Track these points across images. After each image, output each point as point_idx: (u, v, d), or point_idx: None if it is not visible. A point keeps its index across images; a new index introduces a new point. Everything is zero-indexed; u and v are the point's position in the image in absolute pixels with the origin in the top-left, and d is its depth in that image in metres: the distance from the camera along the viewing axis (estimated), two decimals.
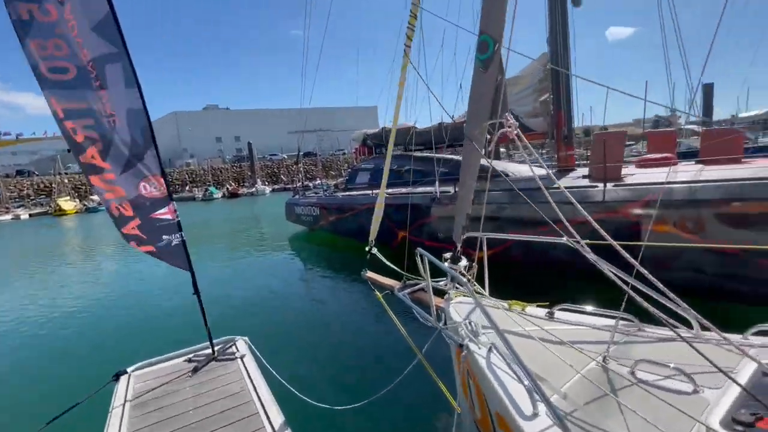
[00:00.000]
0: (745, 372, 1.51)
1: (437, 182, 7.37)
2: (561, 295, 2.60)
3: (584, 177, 6.68)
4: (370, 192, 9.35)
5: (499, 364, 1.85)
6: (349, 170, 12.92)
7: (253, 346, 3.35)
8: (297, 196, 13.13)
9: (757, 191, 4.22)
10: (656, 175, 5.74)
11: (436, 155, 8.54)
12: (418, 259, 2.56)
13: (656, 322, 2.11)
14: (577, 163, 8.15)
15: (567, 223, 2.18)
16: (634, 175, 6.10)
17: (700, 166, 5.94)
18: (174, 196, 3.00)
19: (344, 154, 48.82)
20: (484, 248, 2.72)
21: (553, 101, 7.75)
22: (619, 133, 6.34)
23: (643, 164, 7.03)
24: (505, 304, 2.50)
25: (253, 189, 39.73)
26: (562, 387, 1.68)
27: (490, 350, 1.95)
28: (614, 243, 1.74)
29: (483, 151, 2.52)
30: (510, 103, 8.36)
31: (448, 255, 2.70)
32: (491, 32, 2.11)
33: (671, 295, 2.05)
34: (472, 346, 2.02)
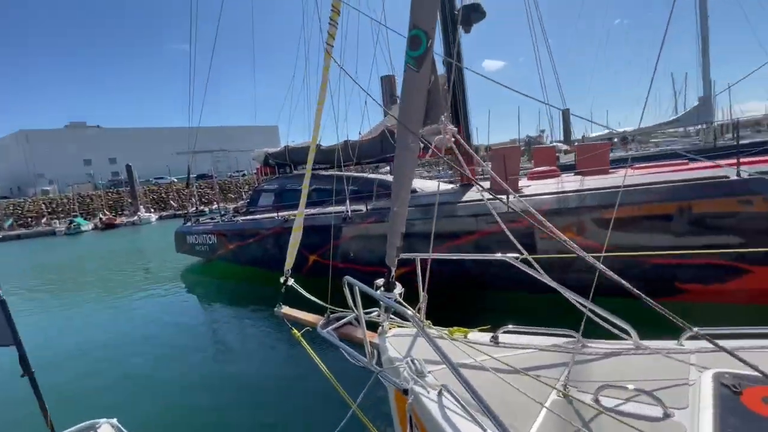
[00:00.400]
0: (706, 383, 1.42)
1: (348, 201, 7.05)
2: (480, 309, 2.42)
3: (485, 190, 7.02)
4: (275, 215, 8.61)
5: (453, 407, 1.54)
6: (251, 192, 11.88)
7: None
8: (189, 224, 11.58)
9: (629, 197, 4.79)
10: (547, 186, 6.28)
11: (345, 173, 8.26)
12: (346, 289, 2.16)
13: (591, 334, 2.04)
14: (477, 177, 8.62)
15: (510, 234, 2.02)
16: (529, 186, 6.59)
17: (579, 176, 6.68)
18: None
19: (244, 175, 45.89)
20: (418, 270, 2.43)
21: (452, 119, 8.13)
22: (514, 148, 6.85)
23: (533, 177, 7.72)
24: (445, 331, 2.23)
25: (135, 217, 34.69)
26: (530, 428, 1.44)
27: (440, 393, 1.63)
28: (583, 253, 1.57)
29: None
30: None
31: (380, 282, 2.34)
32: (424, 26, 1.86)
33: (604, 313, 1.99)
34: (419, 390, 1.68)
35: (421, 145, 2.10)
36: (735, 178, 4.41)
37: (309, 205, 8.74)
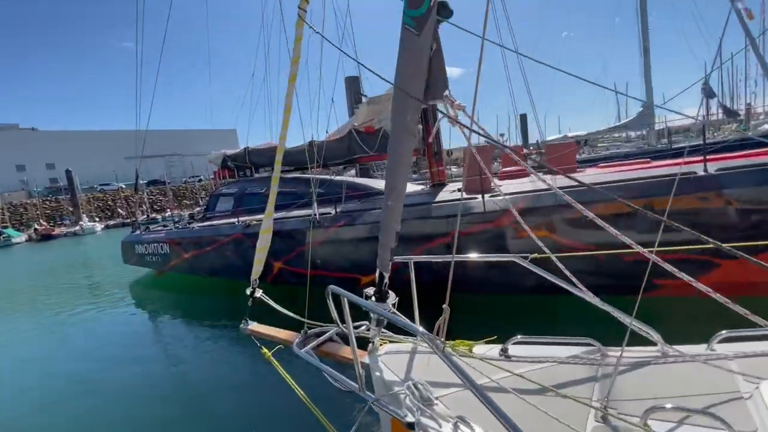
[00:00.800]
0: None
1: (315, 204, 6.63)
2: (471, 315, 2.15)
3: (459, 191, 6.88)
4: (235, 220, 8.00)
5: None
6: (208, 197, 11.09)
7: None
8: (138, 232, 10.60)
9: (602, 195, 4.77)
10: (517, 185, 6.21)
11: (312, 176, 7.83)
12: (329, 300, 1.82)
13: (603, 337, 1.82)
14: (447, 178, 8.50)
15: (526, 227, 1.77)
16: (501, 186, 6.51)
17: (549, 176, 6.68)
18: None
19: (200, 180, 43.63)
20: (412, 275, 2.12)
21: (420, 119, 7.96)
22: (488, 147, 6.77)
23: (503, 177, 7.69)
24: (446, 346, 1.93)
25: (77, 227, 31.88)
26: None
27: (456, 426, 1.32)
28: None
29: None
30: (382, 121, 8.30)
31: (370, 291, 2.01)
32: None
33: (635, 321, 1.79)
34: (428, 423, 1.36)
35: (420, 127, 1.79)
36: (703, 173, 4.50)
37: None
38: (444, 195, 6.61)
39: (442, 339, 1.52)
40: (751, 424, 1.18)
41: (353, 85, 12.38)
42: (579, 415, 1.36)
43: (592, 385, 1.52)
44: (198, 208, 12.76)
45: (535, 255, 2.00)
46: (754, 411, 1.23)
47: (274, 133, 10.50)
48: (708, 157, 4.69)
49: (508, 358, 1.79)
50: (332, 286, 1.76)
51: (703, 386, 1.39)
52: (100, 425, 4.03)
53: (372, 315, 1.92)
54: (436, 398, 1.50)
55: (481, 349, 1.89)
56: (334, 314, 1.93)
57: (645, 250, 1.59)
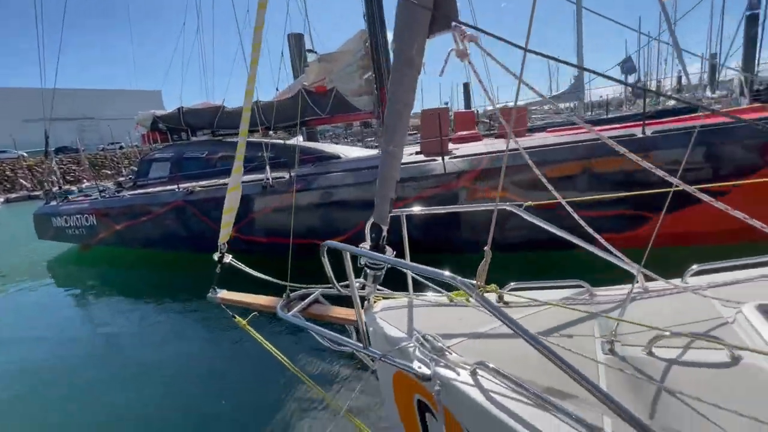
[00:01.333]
0: (754, 317, 1.33)
1: (268, 168, 6.24)
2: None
3: (417, 153, 6.85)
4: (175, 187, 7.29)
5: (499, 389, 1.24)
6: (138, 162, 9.94)
7: None
8: (54, 203, 9.32)
9: (559, 154, 5.02)
10: (474, 148, 6.32)
11: (263, 140, 7.31)
12: (324, 258, 1.69)
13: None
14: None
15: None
16: (458, 149, 6.58)
17: (502, 140, 6.89)
18: None
19: (122, 147, 39.14)
20: (404, 228, 2.04)
21: (376, 79, 7.70)
22: (444, 109, 6.74)
23: (457, 141, 7.79)
24: (445, 298, 1.91)
25: None
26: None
27: (474, 373, 1.31)
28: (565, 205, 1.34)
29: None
30: (334, 80, 7.88)
31: (366, 245, 1.90)
32: None
33: (616, 252, 1.87)
34: (444, 372, 1.33)
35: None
36: (641, 135, 4.89)
37: (216, 175, 7.62)
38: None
39: (482, 283, 1.46)
40: (740, 343, 1.30)
41: (298, 43, 11.58)
42: (587, 350, 1.41)
43: (591, 324, 1.58)
44: (123, 177, 11.49)
45: (530, 203, 2.01)
46: (740, 332, 1.35)
47: (210, 93, 9.54)
48: (645, 122, 5.12)
49: (506, 304, 1.81)
50: (329, 242, 1.63)
51: (690, 315, 1.50)
52: (25, 413, 3.59)
53: (368, 271, 1.83)
54: (448, 349, 1.47)
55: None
56: (329, 272, 1.81)
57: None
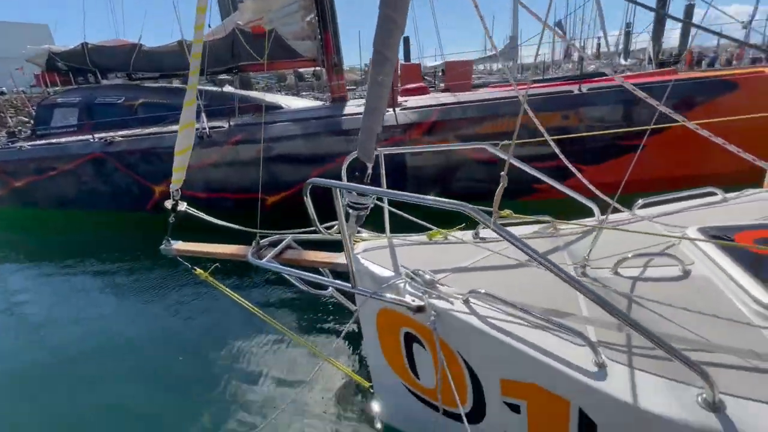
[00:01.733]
0: (698, 238, 1.54)
1: (204, 114, 5.67)
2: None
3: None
4: (89, 137, 6.36)
5: (493, 314, 1.32)
6: (37, 107, 8.40)
7: None
8: None
9: (508, 108, 5.20)
10: (422, 101, 6.31)
11: (185, 86, 6.53)
12: (307, 198, 1.62)
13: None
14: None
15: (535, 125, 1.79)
16: (407, 101, 6.52)
17: (448, 92, 6.94)
18: None
19: (3, 93, 32.64)
20: (382, 167, 2.01)
21: (319, 23, 7.16)
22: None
23: (405, 93, 7.69)
24: (423, 237, 1.94)
25: None
26: (577, 311, 1.35)
27: (467, 302, 1.38)
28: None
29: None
30: (273, 21, 7.18)
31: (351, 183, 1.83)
32: None
33: (590, 186, 2.04)
34: (437, 303, 1.39)
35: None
36: (577, 92, 5.23)
37: (139, 123, 6.76)
38: (349, 110, 6.33)
39: (496, 209, 1.48)
40: (688, 260, 1.51)
41: None
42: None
43: (562, 253, 1.73)
44: (18, 127, 9.80)
45: (506, 142, 2.07)
46: (687, 251, 1.57)
47: (119, 29, 8.22)
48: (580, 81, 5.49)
49: (483, 239, 1.91)
50: (315, 179, 1.55)
51: (645, 241, 1.71)
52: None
53: (351, 212, 1.78)
54: (438, 281, 1.52)
55: (457, 235, 1.97)
56: (312, 214, 1.74)
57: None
